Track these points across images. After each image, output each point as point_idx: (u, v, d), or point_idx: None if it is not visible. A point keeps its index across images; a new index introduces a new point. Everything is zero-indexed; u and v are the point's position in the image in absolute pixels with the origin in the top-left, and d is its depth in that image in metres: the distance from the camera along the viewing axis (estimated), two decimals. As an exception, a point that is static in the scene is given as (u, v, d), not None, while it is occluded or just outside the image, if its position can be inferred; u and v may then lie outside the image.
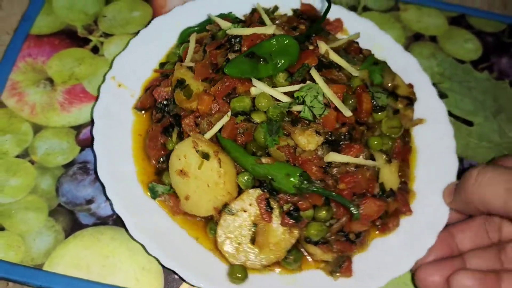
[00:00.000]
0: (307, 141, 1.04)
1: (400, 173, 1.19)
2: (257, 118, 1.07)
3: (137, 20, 1.47)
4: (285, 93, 1.09)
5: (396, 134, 1.19)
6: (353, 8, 1.60)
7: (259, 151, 1.06)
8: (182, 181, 1.07)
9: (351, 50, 1.28)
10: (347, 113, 1.07)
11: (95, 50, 1.40)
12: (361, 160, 1.08)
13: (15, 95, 1.30)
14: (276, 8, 1.39)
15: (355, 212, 1.00)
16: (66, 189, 1.19)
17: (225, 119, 1.07)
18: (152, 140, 1.17)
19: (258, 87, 1.08)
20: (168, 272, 1.11)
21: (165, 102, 1.18)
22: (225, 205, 1.06)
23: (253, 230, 1.06)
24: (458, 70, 1.53)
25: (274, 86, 1.11)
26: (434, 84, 1.47)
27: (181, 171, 1.06)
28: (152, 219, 1.11)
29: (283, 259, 1.08)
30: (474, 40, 1.60)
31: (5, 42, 1.39)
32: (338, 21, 1.40)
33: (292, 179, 1.01)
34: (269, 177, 1.03)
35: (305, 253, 1.12)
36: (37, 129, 1.26)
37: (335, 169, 1.07)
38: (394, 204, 1.14)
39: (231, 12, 1.36)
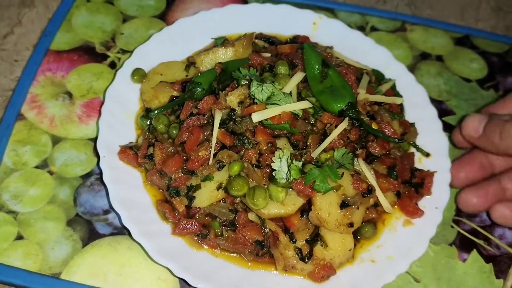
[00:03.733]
0: (231, 100, 1.15)
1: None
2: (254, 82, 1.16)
3: (153, 38, 1.51)
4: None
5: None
6: (361, 28, 1.65)
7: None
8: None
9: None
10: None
11: (113, 65, 1.44)
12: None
13: (34, 108, 1.33)
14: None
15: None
16: (84, 199, 1.21)
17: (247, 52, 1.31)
18: None
19: (294, 78, 1.18)
20: (183, 283, 1.12)
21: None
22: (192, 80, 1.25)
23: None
24: (464, 88, 1.57)
25: (302, 95, 1.18)
26: (441, 102, 1.51)
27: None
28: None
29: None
30: (479, 60, 1.64)
31: (25, 57, 1.44)
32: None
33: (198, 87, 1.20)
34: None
35: None
36: (56, 140, 1.29)
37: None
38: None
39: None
